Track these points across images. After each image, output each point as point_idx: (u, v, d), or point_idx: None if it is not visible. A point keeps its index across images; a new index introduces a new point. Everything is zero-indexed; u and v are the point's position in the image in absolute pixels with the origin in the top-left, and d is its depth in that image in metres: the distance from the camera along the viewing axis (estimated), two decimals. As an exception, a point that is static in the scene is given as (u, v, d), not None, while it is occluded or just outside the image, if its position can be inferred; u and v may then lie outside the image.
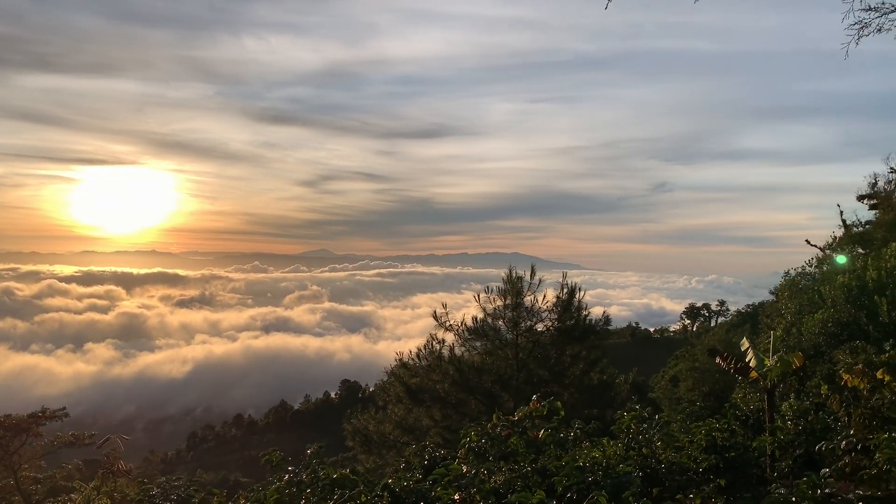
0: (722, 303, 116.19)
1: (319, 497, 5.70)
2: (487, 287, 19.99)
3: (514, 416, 7.65)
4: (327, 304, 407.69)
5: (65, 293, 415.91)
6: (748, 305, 70.89)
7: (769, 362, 8.24)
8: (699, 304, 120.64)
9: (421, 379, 19.58)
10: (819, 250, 28.67)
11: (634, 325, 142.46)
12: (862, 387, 8.83)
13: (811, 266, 25.42)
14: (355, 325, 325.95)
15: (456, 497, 5.50)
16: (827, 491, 5.02)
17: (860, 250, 24.12)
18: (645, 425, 7.81)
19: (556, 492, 5.71)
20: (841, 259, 18.09)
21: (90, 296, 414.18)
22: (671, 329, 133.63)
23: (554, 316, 20.11)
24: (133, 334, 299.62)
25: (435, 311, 20.22)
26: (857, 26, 6.53)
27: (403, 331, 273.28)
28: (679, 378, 41.28)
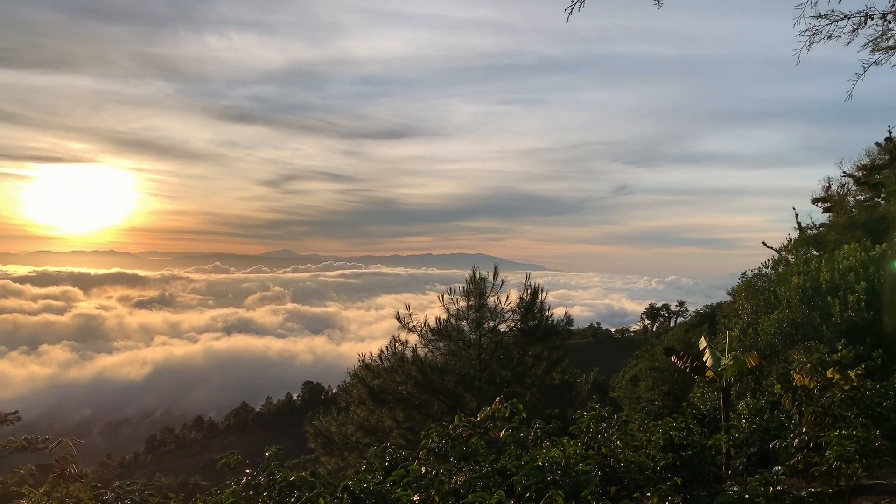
0: (681, 303, 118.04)
1: (276, 500, 5.66)
2: (450, 288, 20.03)
3: (476, 417, 7.67)
4: (290, 305, 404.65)
5: (19, 294, 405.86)
6: (706, 306, 72.09)
7: (725, 362, 8.40)
8: (659, 305, 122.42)
9: (384, 380, 19.52)
10: (775, 252, 29.30)
11: (596, 325, 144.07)
12: (813, 386, 9.06)
13: (767, 267, 25.96)
14: (318, 326, 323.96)
15: (415, 498, 5.50)
16: (779, 488, 5.13)
17: (814, 252, 24.69)
18: (604, 425, 7.89)
19: (516, 492, 5.74)
20: None
21: (45, 297, 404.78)
22: (632, 329, 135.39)
23: (517, 316, 20.22)
24: (90, 336, 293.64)
25: (398, 312, 20.18)
26: (808, 33, 6.71)
27: (367, 332, 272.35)
28: (639, 377, 41.84)
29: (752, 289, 21.85)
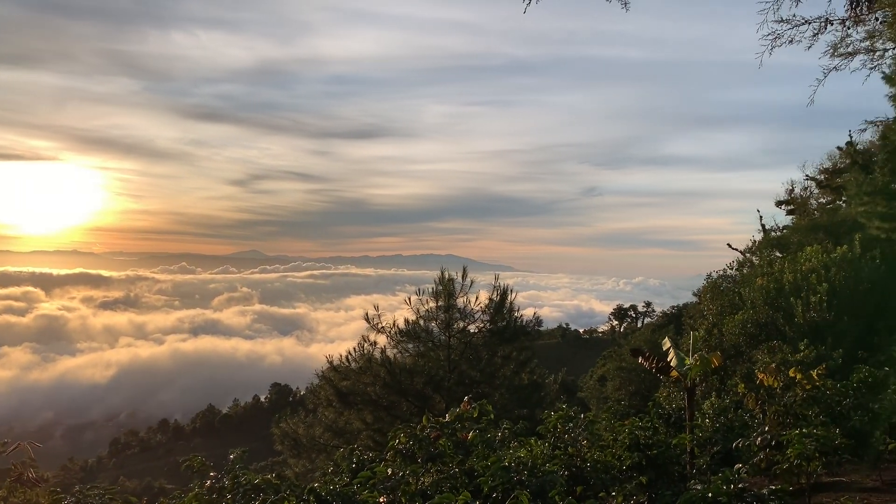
0: (648, 304, 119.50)
1: (240, 503, 5.59)
2: (419, 289, 20.00)
3: (444, 418, 7.66)
4: (258, 306, 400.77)
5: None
6: (673, 307, 73.03)
7: (689, 362, 8.50)
8: (627, 306, 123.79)
9: (352, 381, 19.43)
10: (740, 253, 29.77)
11: (565, 326, 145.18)
12: (776, 385, 9.21)
13: (732, 269, 26.35)
14: (287, 327, 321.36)
15: (381, 500, 5.47)
16: (741, 486, 5.20)
17: (777, 254, 25.11)
18: (571, 425, 7.93)
19: (483, 492, 5.75)
20: None
21: (6, 297, 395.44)
22: (600, 330, 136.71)
23: (486, 317, 20.27)
24: (52, 337, 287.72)
25: (367, 313, 20.10)
26: (770, 37, 6.84)
27: (336, 333, 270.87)
28: (607, 378, 42.24)
29: (717, 290, 22.17)
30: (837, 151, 29.79)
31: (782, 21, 6.64)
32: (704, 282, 26.74)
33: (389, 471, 5.94)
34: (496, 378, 20.05)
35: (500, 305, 20.39)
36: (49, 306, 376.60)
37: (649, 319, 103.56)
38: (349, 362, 19.75)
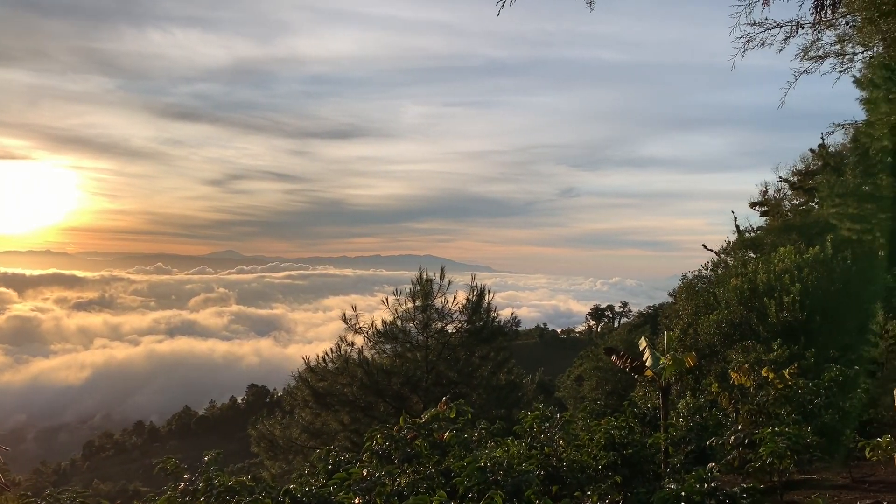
0: (625, 304, 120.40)
1: (214, 505, 5.56)
2: (396, 290, 19.97)
3: (421, 419, 7.66)
4: (235, 307, 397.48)
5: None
6: (649, 307, 73.63)
7: (664, 361, 8.57)
8: (604, 306, 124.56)
9: (329, 382, 19.34)
10: (714, 254, 30.08)
11: (543, 326, 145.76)
12: (748, 384, 9.32)
13: (707, 269, 26.60)
14: (264, 328, 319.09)
15: (357, 501, 5.46)
16: (713, 484, 5.26)
17: (751, 254, 25.42)
18: (547, 424, 7.97)
19: (459, 493, 5.76)
20: None
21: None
22: (577, 330, 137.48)
23: (463, 317, 20.28)
24: (25, 339, 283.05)
25: (344, 314, 20.03)
26: (742, 40, 6.94)
27: (315, 334, 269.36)
28: (584, 377, 42.47)
29: (692, 290, 22.39)
30: (810, 154, 30.22)
31: (755, 24, 6.74)
32: (680, 282, 27.01)
33: (365, 472, 5.93)
34: (474, 378, 20.07)
35: (477, 305, 20.41)
36: (22, 307, 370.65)
37: (626, 319, 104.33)
38: (326, 363, 19.67)
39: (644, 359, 8.82)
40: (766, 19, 6.77)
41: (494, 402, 19.66)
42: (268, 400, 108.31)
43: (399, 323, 19.89)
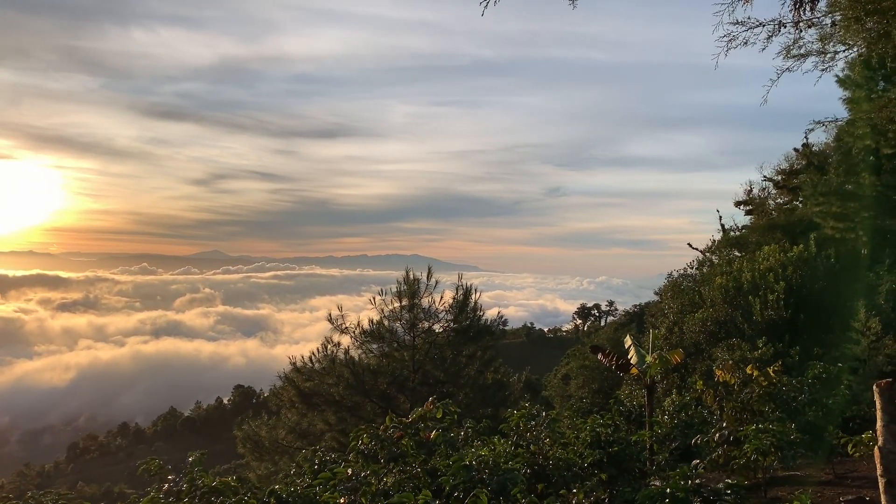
0: (611, 303, 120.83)
1: (197, 506, 5.52)
2: (382, 289, 19.93)
3: (408, 418, 7.64)
4: (221, 308, 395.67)
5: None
6: (635, 305, 73.98)
7: (649, 359, 8.60)
8: (590, 305, 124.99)
9: (315, 383, 19.27)
10: (700, 253, 30.23)
11: (530, 325, 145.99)
12: (733, 382, 9.37)
13: (692, 268, 26.73)
14: (251, 328, 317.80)
15: (342, 501, 5.44)
16: (698, 481, 5.28)
17: (736, 253, 25.56)
18: (533, 423, 7.97)
19: (444, 491, 5.75)
20: None
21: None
22: (564, 329, 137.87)
23: (450, 317, 20.26)
24: (8, 340, 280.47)
25: (330, 314, 19.96)
26: (725, 39, 6.98)
27: (301, 334, 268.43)
28: (570, 376, 42.56)
29: (677, 289, 22.49)
30: (794, 153, 30.42)
31: (737, 23, 6.78)
32: (666, 281, 27.15)
33: (350, 471, 5.90)
34: (460, 377, 20.07)
35: (464, 305, 20.40)
36: (5, 308, 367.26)
37: (612, 318, 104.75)
38: (312, 363, 19.59)
39: (630, 357, 8.85)
40: (749, 18, 6.81)
41: (481, 401, 19.66)
42: (254, 401, 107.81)
43: (386, 323, 19.85)
